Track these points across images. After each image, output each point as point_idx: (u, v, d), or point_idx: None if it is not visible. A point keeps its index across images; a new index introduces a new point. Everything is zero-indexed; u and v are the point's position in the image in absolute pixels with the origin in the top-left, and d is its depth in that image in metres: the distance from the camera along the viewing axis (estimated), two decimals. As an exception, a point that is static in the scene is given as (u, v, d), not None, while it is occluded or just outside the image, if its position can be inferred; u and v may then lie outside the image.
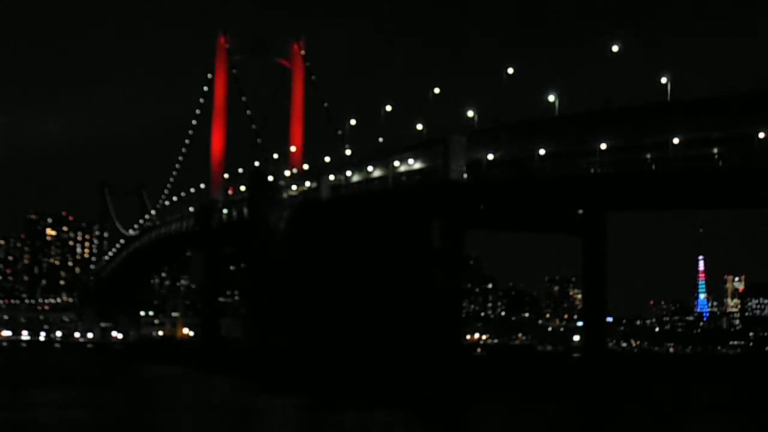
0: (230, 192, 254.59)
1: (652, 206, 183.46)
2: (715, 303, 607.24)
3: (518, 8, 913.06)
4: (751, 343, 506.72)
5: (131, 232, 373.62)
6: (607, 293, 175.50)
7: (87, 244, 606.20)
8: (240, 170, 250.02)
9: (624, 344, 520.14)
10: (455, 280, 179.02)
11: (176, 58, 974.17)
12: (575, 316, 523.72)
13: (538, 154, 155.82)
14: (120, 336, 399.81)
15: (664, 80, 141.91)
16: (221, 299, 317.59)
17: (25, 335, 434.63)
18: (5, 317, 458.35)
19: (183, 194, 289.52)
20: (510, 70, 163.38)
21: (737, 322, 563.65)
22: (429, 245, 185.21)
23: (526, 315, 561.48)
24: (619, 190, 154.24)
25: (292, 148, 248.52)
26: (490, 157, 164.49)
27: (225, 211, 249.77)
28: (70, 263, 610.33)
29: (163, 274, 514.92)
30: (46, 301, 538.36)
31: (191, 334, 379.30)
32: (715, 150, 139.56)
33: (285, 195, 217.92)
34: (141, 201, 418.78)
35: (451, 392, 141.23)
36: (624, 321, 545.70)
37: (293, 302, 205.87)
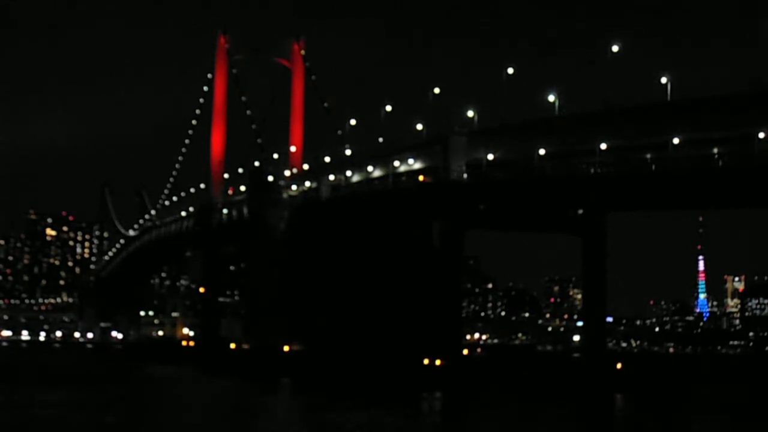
0: (230, 192, 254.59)
1: (652, 206, 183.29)
2: (715, 303, 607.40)
3: (518, 8, 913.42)
4: (751, 343, 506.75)
5: (131, 232, 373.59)
6: (607, 293, 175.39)
7: (87, 244, 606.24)
8: (240, 170, 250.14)
9: (624, 344, 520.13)
10: (455, 280, 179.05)
11: (176, 58, 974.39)
12: (575, 316, 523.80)
13: (538, 154, 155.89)
14: (120, 336, 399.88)
15: (664, 80, 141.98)
16: (221, 299, 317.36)
17: (25, 335, 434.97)
18: (5, 317, 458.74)
19: (183, 194, 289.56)
20: (510, 70, 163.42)
21: (737, 322, 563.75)
22: (429, 245, 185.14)
23: (526, 315, 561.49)
24: (619, 190, 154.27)
25: (292, 148, 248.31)
26: (490, 157, 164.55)
27: (225, 211, 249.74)
28: (70, 263, 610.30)
29: (163, 274, 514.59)
30: (46, 301, 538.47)
31: (191, 334, 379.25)
32: (715, 150, 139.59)
33: (285, 195, 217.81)
34: (141, 201, 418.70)
35: (451, 392, 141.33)
36: (624, 321, 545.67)
37: (293, 302, 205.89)
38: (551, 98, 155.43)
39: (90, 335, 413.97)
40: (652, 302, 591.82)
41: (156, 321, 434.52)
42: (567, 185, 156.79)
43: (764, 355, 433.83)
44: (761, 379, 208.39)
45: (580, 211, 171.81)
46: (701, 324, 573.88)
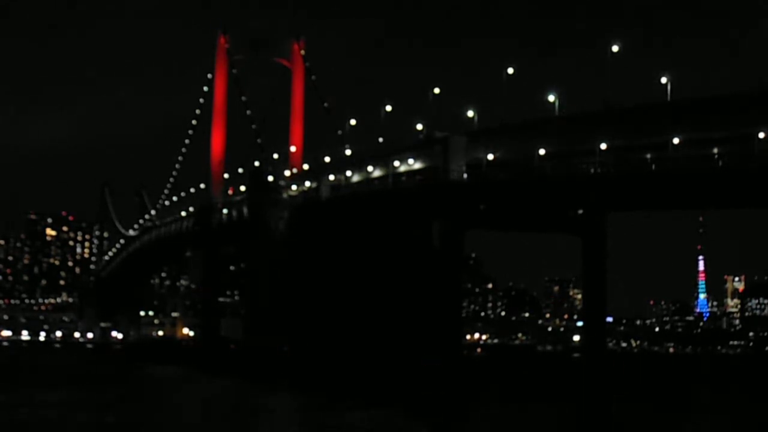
0: (230, 192, 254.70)
1: (652, 206, 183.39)
2: (715, 303, 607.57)
3: (519, 8, 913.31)
4: (751, 343, 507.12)
5: (131, 232, 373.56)
6: (607, 293, 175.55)
7: (87, 244, 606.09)
8: (240, 170, 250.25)
9: (624, 344, 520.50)
10: (455, 280, 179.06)
11: (176, 57, 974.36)
12: (575, 316, 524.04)
13: (538, 154, 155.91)
14: (120, 336, 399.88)
15: (664, 80, 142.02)
16: (221, 299, 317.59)
17: (25, 335, 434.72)
18: (5, 317, 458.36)
19: (183, 194, 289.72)
20: (510, 70, 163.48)
21: (737, 322, 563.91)
22: (429, 245, 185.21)
23: (526, 315, 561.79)
24: (619, 190, 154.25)
25: (292, 148, 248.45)
26: (490, 157, 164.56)
27: (225, 211, 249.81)
28: (70, 263, 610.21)
29: (163, 274, 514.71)
30: (46, 301, 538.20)
31: (191, 334, 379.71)
32: (715, 150, 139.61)
33: (285, 195, 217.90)
34: (141, 201, 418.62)
35: (451, 392, 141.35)
36: (624, 321, 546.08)
37: (293, 302, 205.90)
38: (551, 98, 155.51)
39: (90, 335, 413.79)
40: (652, 302, 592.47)
41: (156, 321, 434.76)
42: (567, 185, 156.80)
43: (764, 355, 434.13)
44: (761, 379, 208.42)
45: (580, 211, 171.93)
46: (701, 324, 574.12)
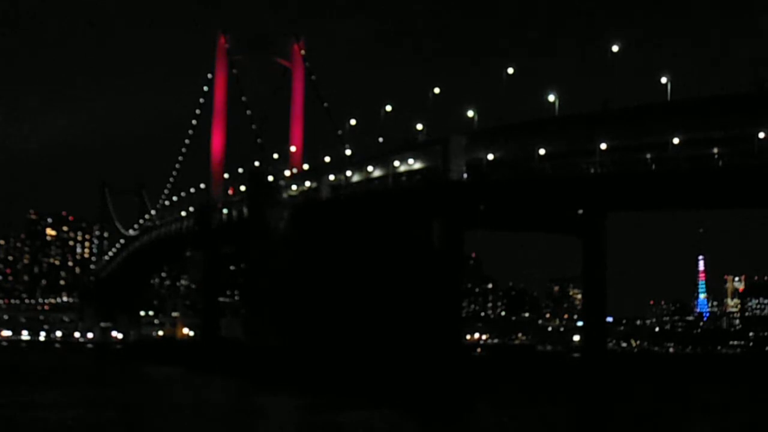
0: (230, 192, 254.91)
1: (652, 206, 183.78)
2: (715, 303, 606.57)
3: (519, 8, 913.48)
4: (751, 343, 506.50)
5: (131, 232, 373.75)
6: (607, 293, 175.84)
7: (87, 244, 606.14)
8: (240, 170, 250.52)
9: (624, 344, 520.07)
10: (455, 280, 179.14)
11: (176, 58, 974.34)
12: (575, 316, 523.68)
13: (538, 154, 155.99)
14: (120, 336, 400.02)
15: (664, 80, 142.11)
16: (221, 299, 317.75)
17: (25, 335, 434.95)
18: (5, 317, 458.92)
19: (183, 194, 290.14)
20: (510, 70, 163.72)
21: (737, 322, 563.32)
22: (429, 245, 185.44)
23: (526, 315, 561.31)
24: (619, 190, 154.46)
25: (292, 148, 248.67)
26: (490, 157, 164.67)
27: (225, 211, 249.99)
28: (70, 263, 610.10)
29: (163, 274, 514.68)
30: (46, 301, 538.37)
31: (191, 334, 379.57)
32: (715, 150, 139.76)
33: (285, 195, 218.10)
34: (141, 201, 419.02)
35: (451, 392, 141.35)
36: (624, 321, 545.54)
37: (293, 302, 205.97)
38: (551, 98, 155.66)
39: (90, 335, 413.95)
40: (652, 302, 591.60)
41: (156, 321, 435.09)
42: (567, 185, 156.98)
43: (764, 355, 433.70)
44: (761, 379, 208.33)
45: (580, 211, 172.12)
46: (701, 324, 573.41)
